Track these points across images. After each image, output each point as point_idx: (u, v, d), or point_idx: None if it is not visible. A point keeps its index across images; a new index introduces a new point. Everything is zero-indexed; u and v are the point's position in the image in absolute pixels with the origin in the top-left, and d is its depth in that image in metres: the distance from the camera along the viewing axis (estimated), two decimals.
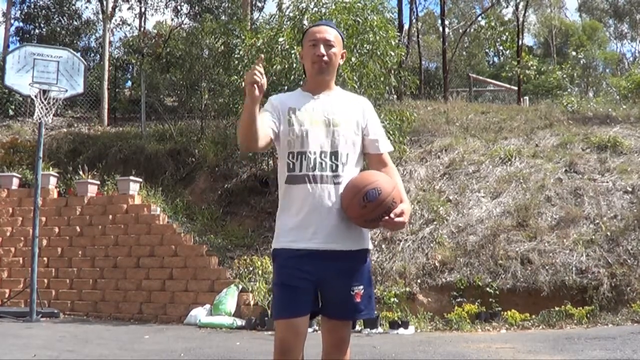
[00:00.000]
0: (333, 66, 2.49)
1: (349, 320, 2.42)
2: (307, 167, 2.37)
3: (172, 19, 19.42)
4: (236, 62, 8.81)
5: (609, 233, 7.54)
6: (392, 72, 8.68)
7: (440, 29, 18.50)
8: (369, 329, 6.81)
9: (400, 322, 6.84)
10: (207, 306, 7.65)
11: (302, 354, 2.37)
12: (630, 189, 8.26)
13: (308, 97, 2.49)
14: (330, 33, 2.49)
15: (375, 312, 6.80)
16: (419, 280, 7.59)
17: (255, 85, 2.20)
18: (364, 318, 2.42)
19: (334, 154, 2.39)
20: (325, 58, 2.45)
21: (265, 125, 2.37)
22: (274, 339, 2.35)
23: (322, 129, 2.41)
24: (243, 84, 2.45)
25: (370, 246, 2.49)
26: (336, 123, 2.42)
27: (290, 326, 2.30)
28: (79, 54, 10.63)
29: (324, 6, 8.35)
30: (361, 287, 2.36)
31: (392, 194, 2.28)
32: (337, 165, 2.38)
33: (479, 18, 18.47)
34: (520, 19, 16.66)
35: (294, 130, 2.41)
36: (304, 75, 2.62)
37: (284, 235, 2.40)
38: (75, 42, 18.38)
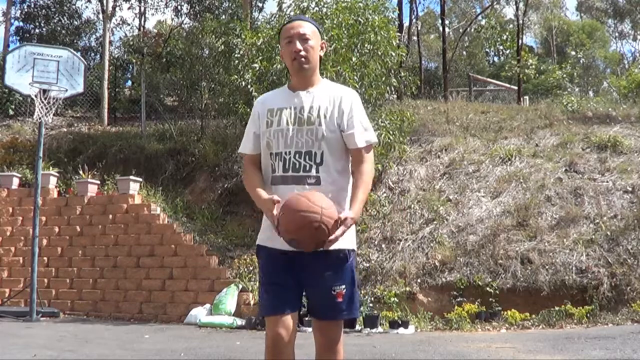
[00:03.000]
0: (313, 60, 2.45)
1: (331, 320, 2.39)
2: (283, 168, 2.37)
3: (172, 19, 19.45)
4: (236, 61, 8.81)
5: (609, 233, 7.54)
6: (393, 72, 8.68)
7: (440, 28, 18.50)
8: (369, 329, 6.82)
9: (400, 322, 6.85)
10: (207, 306, 7.66)
11: (292, 352, 2.39)
12: (630, 189, 8.26)
13: (289, 96, 2.48)
14: (305, 27, 2.45)
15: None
16: (419, 280, 7.59)
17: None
18: (345, 318, 2.38)
19: (308, 154, 2.37)
20: (303, 53, 2.42)
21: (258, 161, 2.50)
22: (265, 336, 2.37)
23: (297, 128, 2.39)
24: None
25: (353, 246, 2.45)
26: (311, 121, 2.39)
27: (281, 323, 2.32)
28: (79, 54, 10.62)
29: (325, 5, 8.35)
30: (343, 286, 2.35)
31: (313, 235, 2.18)
32: (310, 166, 2.36)
33: (479, 17, 18.47)
34: (521, 19, 16.65)
35: (271, 132, 2.42)
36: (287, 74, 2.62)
37: (266, 232, 2.42)
38: (75, 41, 18.38)
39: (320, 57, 2.52)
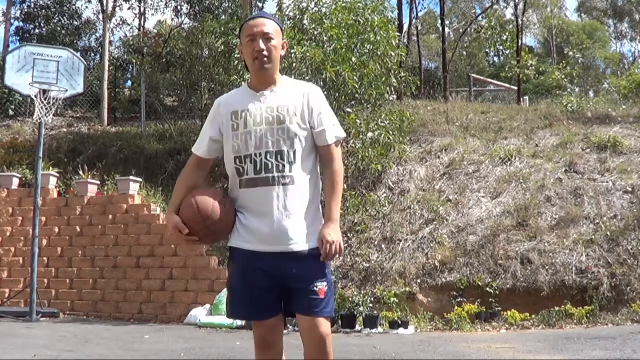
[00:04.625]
0: (275, 59, 2.43)
1: (312, 316, 2.34)
2: (254, 170, 2.35)
3: (173, 19, 19.47)
4: (236, 62, 8.80)
5: (609, 233, 7.54)
6: (393, 72, 8.68)
7: (440, 28, 18.49)
8: (369, 329, 6.82)
9: (400, 322, 6.85)
10: (207, 306, 7.65)
11: (281, 352, 2.44)
12: (630, 189, 8.26)
13: (252, 97, 2.45)
14: (268, 26, 2.42)
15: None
16: (419, 280, 7.59)
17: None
18: (325, 316, 2.36)
19: (279, 154, 2.35)
20: (265, 53, 2.38)
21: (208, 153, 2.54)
22: (253, 337, 2.44)
23: (266, 129, 2.37)
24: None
25: None
26: (281, 121, 2.37)
27: (266, 325, 2.39)
28: (79, 54, 10.62)
29: (324, 6, 8.34)
30: (325, 283, 2.35)
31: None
32: (283, 165, 2.34)
33: (479, 18, 18.47)
34: (520, 19, 16.65)
35: (238, 135, 2.39)
36: (247, 71, 2.58)
37: (240, 235, 2.39)
38: (75, 42, 18.38)
39: (281, 56, 2.49)
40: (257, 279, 2.35)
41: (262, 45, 2.38)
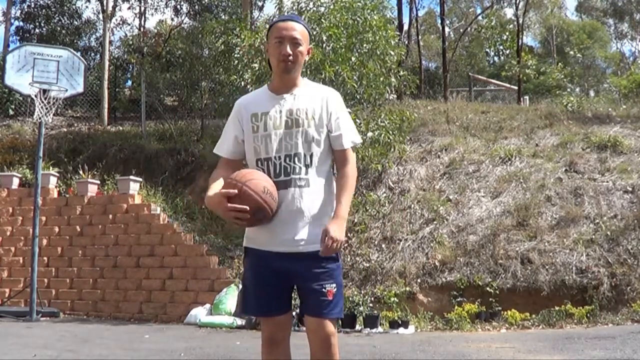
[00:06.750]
0: (299, 64, 2.48)
1: (323, 317, 2.36)
2: (273, 172, 2.38)
3: (172, 19, 19.46)
4: (236, 61, 8.79)
5: (609, 233, 7.54)
6: (392, 71, 8.67)
7: (440, 28, 18.50)
8: (369, 329, 6.82)
9: (400, 322, 6.85)
10: (207, 306, 7.66)
11: (288, 350, 2.46)
12: (630, 189, 8.26)
13: (272, 99, 2.48)
14: (297, 30, 2.45)
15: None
16: (419, 280, 7.59)
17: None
18: (334, 317, 2.38)
19: (297, 156, 2.38)
20: (291, 57, 2.42)
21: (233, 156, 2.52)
22: (261, 334, 2.48)
23: (285, 132, 2.40)
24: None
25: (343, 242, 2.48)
26: (299, 124, 2.41)
27: (275, 323, 2.43)
28: (79, 54, 10.60)
29: (323, 5, 8.33)
30: (334, 285, 2.38)
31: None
32: (300, 168, 2.38)
33: (480, 17, 18.46)
34: (520, 19, 16.65)
35: (259, 137, 2.42)
36: (270, 70, 2.60)
37: (255, 236, 2.44)
38: (75, 41, 18.39)
39: (305, 61, 2.53)
40: (268, 276, 2.39)
41: (289, 49, 2.41)
